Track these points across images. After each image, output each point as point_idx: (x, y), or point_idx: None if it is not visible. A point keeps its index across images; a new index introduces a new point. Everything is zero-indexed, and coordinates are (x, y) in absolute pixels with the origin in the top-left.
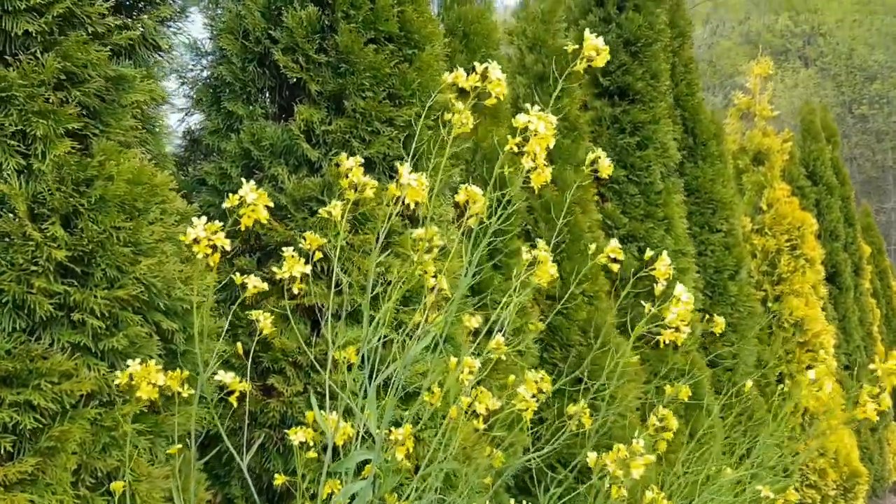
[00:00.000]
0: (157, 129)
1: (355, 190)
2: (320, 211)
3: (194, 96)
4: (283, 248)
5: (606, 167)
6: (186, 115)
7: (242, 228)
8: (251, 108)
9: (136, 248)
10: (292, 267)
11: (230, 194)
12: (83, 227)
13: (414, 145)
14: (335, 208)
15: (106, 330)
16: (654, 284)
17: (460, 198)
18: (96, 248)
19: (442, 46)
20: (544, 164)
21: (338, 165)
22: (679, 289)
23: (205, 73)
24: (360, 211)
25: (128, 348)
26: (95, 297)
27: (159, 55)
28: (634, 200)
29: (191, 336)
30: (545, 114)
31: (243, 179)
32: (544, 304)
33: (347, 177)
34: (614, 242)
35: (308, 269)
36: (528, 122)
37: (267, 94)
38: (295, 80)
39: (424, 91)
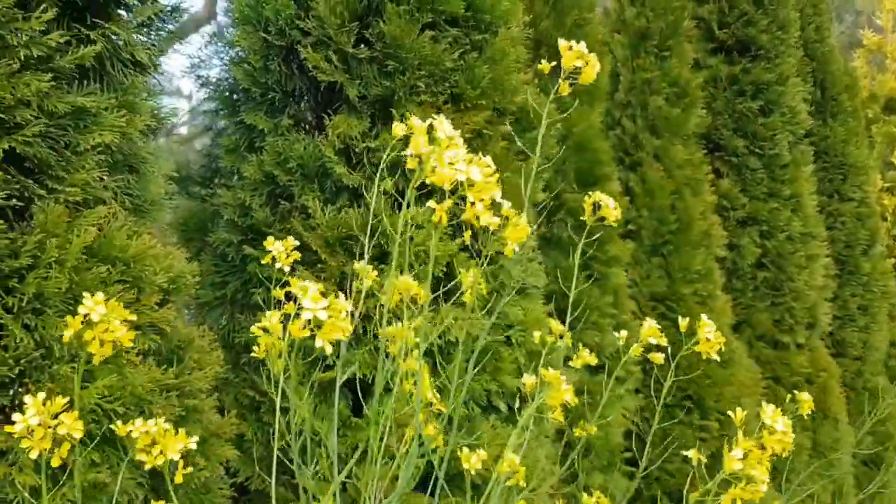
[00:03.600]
0: (145, 167)
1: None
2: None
3: (215, 105)
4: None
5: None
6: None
7: None
8: (276, 119)
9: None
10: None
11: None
12: (9, 343)
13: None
14: None
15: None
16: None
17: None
18: (29, 371)
19: (520, 26)
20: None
21: (385, 193)
22: None
23: (225, 75)
24: (414, 250)
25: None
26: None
27: (137, 72)
28: (756, 176)
29: None
30: None
31: (266, 212)
32: (646, 304)
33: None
34: None
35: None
36: None
37: (296, 102)
38: (328, 83)
39: (497, 88)
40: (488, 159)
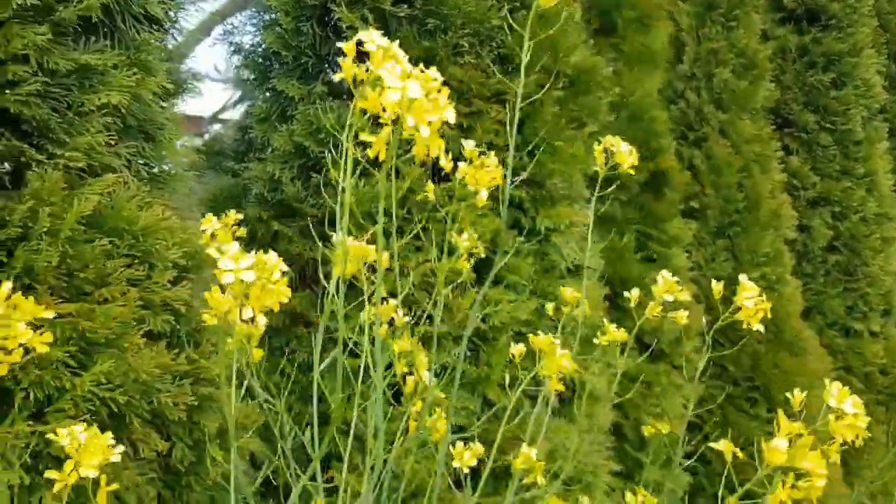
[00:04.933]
0: (162, 134)
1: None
2: None
3: (247, 73)
4: None
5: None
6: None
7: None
8: (309, 86)
9: (85, 342)
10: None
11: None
12: None
13: (534, 128)
14: None
15: None
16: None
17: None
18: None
19: None
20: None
21: (422, 165)
22: None
23: (258, 40)
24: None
25: None
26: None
27: (152, 29)
28: (828, 153)
29: None
30: None
31: (297, 186)
32: (710, 288)
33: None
34: None
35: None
36: None
37: (330, 67)
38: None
39: (549, 48)
40: (433, 71)
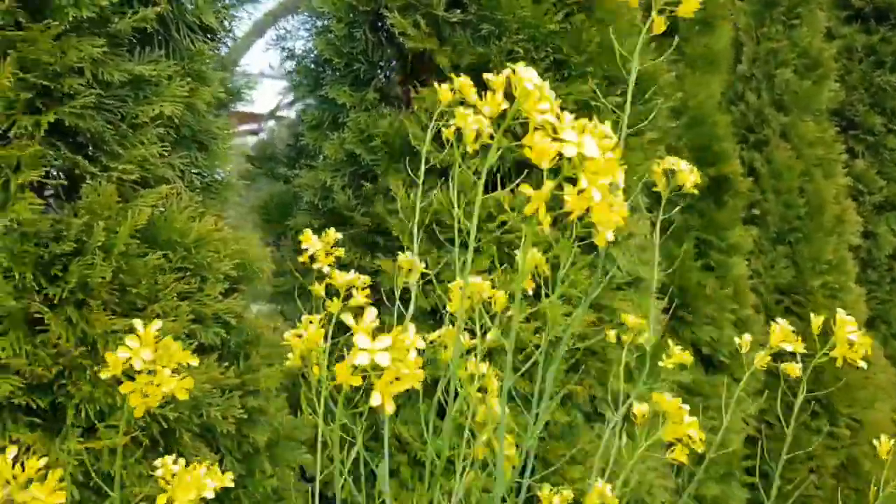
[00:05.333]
0: (215, 144)
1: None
2: None
3: (299, 79)
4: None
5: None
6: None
7: None
8: (361, 93)
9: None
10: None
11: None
12: (49, 338)
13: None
14: None
15: None
16: None
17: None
18: (69, 371)
19: None
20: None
21: (476, 174)
22: None
23: (310, 45)
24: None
25: None
26: None
27: (206, 38)
28: (895, 156)
29: None
30: None
31: (349, 194)
32: (769, 297)
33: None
34: None
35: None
36: None
37: (383, 73)
38: (417, 51)
39: (607, 52)
40: (606, 127)
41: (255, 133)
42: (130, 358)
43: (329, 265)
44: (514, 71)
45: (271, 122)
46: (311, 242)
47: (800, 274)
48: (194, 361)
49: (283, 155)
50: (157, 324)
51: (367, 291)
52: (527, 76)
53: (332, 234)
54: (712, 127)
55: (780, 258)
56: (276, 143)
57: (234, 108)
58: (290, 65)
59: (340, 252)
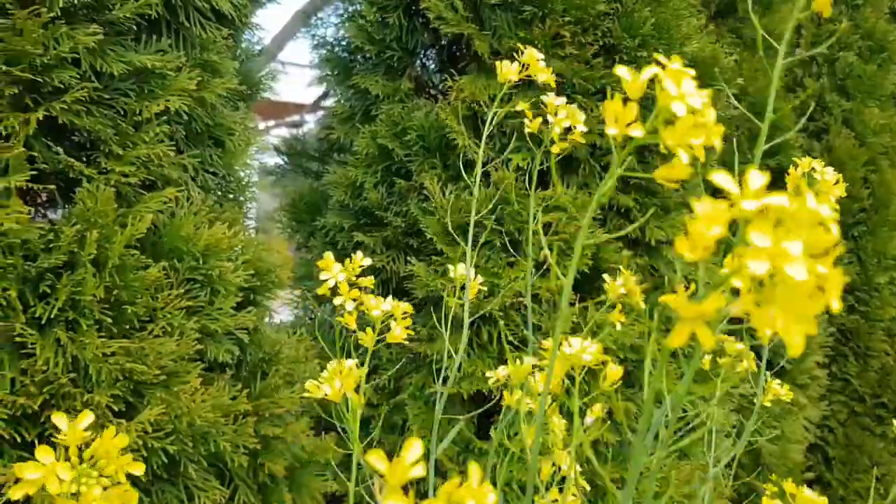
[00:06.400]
0: (231, 140)
1: None
2: None
3: (330, 68)
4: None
5: None
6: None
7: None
8: (394, 83)
9: (133, 384)
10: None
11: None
12: (35, 364)
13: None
14: None
15: None
16: None
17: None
18: (58, 399)
19: None
20: None
21: (519, 170)
22: None
23: (342, 33)
24: (559, 237)
25: None
26: None
27: (219, 26)
28: None
29: None
30: None
31: (381, 192)
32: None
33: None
34: None
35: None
36: None
37: (418, 62)
38: (454, 36)
39: (663, 35)
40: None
41: (297, 125)
42: (44, 478)
43: (354, 300)
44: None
45: (317, 114)
46: (331, 271)
47: (864, 270)
48: (139, 470)
49: (313, 149)
50: (88, 417)
51: (408, 321)
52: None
53: (358, 260)
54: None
55: (843, 253)
56: (307, 137)
57: (260, 99)
58: (321, 53)
59: (370, 282)
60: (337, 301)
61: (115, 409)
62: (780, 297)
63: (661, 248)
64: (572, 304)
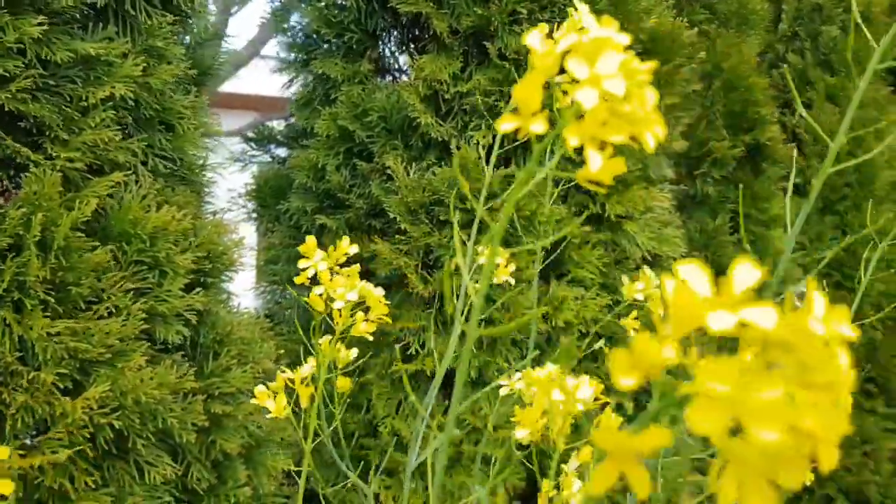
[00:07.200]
0: (182, 124)
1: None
2: None
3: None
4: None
5: None
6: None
7: None
8: (354, 65)
9: (79, 363)
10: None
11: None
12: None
13: None
14: None
15: None
16: None
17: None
18: (6, 377)
19: None
20: None
21: (479, 144)
22: None
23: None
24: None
25: None
26: None
27: (166, 13)
28: None
29: None
30: None
31: (344, 174)
32: (816, 271)
33: None
34: None
35: None
36: None
37: (378, 43)
38: (413, 15)
39: (622, 8)
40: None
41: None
42: None
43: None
44: None
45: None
46: (312, 258)
47: (850, 246)
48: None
49: (280, 135)
50: None
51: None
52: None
53: (343, 246)
54: (748, 91)
55: (828, 229)
56: (275, 124)
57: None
58: (283, 40)
59: (354, 271)
60: (317, 291)
61: (62, 386)
62: (739, 456)
63: (621, 222)
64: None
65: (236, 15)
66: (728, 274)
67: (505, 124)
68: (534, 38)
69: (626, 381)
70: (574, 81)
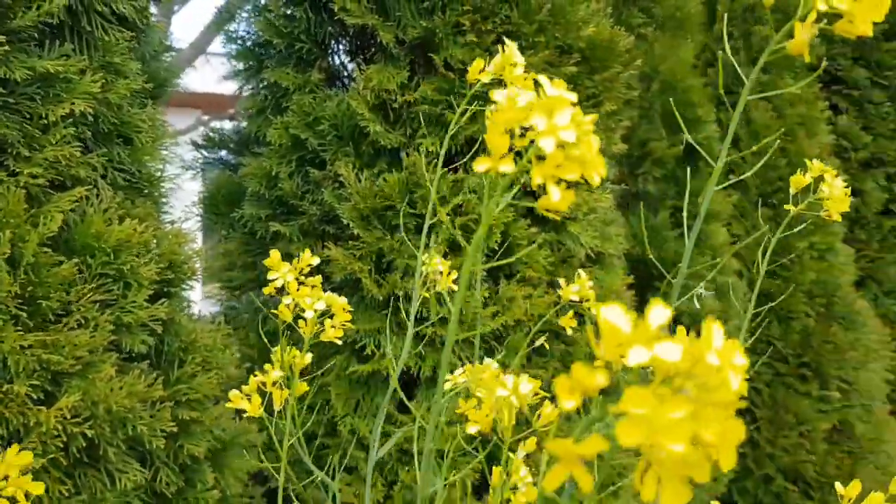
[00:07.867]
0: (140, 137)
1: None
2: None
3: (242, 63)
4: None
5: None
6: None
7: None
8: (306, 74)
9: (50, 374)
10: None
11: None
12: None
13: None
14: None
15: None
16: None
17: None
18: None
19: None
20: None
21: (430, 154)
22: None
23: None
24: (461, 221)
25: None
26: None
27: (121, 28)
28: (881, 111)
29: None
30: None
31: (296, 181)
32: (752, 261)
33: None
34: None
35: None
36: None
37: (327, 53)
38: (360, 27)
39: (559, 21)
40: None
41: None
42: None
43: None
44: None
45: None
46: (279, 270)
47: (784, 236)
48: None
49: (231, 142)
50: None
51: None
52: None
53: (307, 257)
54: (686, 93)
55: (764, 221)
56: (225, 131)
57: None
58: (231, 49)
59: (317, 281)
60: (286, 301)
61: (35, 397)
62: (657, 460)
63: (566, 223)
64: (485, 280)
65: (179, 13)
66: (645, 314)
67: (480, 165)
68: (500, 96)
69: (569, 403)
70: (528, 130)
